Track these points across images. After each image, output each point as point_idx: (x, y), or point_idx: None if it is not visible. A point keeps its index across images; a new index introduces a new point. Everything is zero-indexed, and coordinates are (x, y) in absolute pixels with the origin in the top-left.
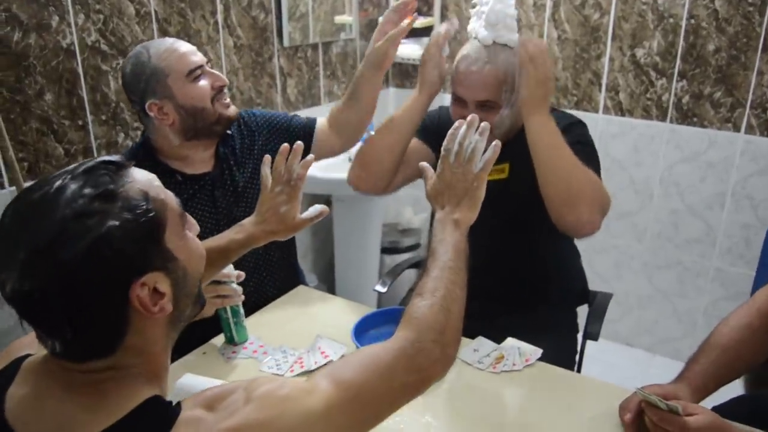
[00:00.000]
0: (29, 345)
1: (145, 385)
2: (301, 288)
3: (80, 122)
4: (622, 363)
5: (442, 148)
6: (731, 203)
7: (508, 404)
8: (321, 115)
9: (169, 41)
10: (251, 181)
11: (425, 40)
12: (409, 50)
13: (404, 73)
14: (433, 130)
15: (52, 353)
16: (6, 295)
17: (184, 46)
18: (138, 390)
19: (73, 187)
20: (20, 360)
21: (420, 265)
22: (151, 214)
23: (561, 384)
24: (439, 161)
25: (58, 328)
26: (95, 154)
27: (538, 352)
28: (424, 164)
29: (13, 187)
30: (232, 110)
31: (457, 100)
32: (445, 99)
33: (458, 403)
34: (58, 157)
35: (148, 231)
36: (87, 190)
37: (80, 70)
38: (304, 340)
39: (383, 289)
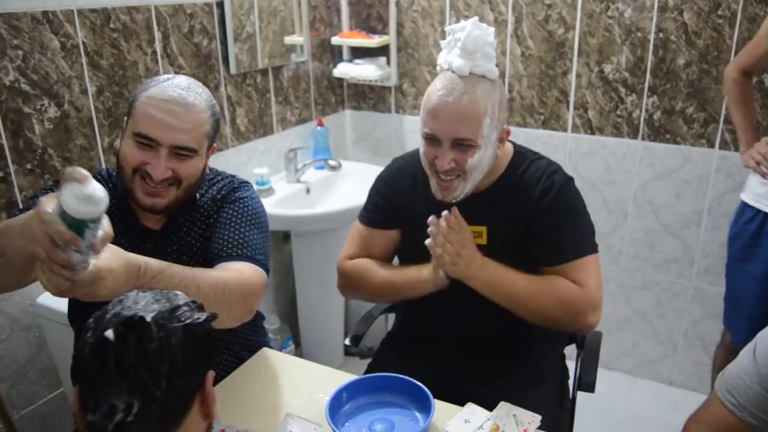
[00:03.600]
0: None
1: None
2: (265, 351)
3: (1, 174)
4: (603, 388)
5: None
6: (708, 221)
7: None
8: (274, 143)
9: (170, 97)
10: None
11: (382, 59)
12: (366, 71)
13: (360, 95)
14: (389, 209)
15: (117, 425)
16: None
17: (172, 116)
18: None
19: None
20: None
21: (392, 310)
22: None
23: None
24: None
25: (155, 380)
26: (20, 207)
27: (537, 419)
28: None
29: None
30: (151, 201)
31: (428, 139)
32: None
33: None
34: None
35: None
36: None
37: None
38: (271, 419)
39: (353, 345)
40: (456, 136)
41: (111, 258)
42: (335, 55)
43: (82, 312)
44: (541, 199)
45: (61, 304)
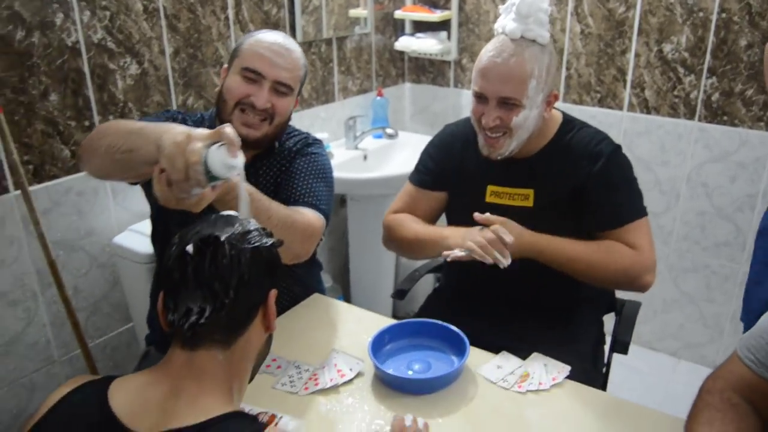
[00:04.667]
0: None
1: (228, 401)
2: (316, 296)
3: (87, 123)
4: (645, 368)
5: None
6: (762, 205)
7: (534, 427)
8: (335, 110)
9: (275, 41)
10: None
11: (443, 34)
12: (426, 45)
13: (420, 68)
14: (440, 171)
15: (192, 325)
16: (197, 245)
17: (277, 56)
18: (224, 401)
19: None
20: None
21: (439, 270)
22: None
23: (590, 405)
24: None
25: (225, 290)
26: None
27: (566, 369)
28: None
29: (18, 191)
30: (246, 131)
31: (477, 96)
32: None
33: (482, 426)
34: (65, 159)
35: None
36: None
37: (86, 69)
38: (319, 354)
39: (399, 299)
40: (502, 95)
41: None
42: (397, 28)
43: (164, 235)
44: (591, 167)
45: (136, 245)
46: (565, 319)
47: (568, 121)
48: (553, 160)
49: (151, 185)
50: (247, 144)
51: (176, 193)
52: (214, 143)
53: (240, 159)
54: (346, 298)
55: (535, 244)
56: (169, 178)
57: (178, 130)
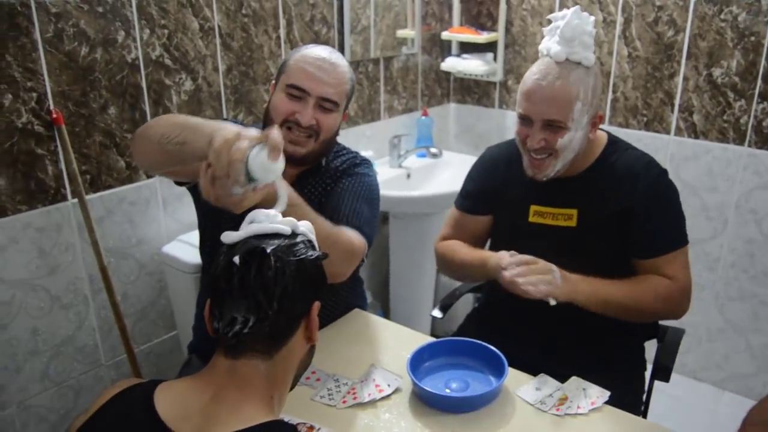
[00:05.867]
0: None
1: (269, 410)
2: (357, 312)
3: None
4: (688, 397)
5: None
6: None
7: None
8: (380, 129)
9: (319, 56)
10: None
11: (489, 55)
12: (472, 66)
13: (466, 89)
14: (482, 195)
15: (236, 334)
16: (243, 256)
17: (321, 71)
18: (265, 410)
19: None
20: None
21: (479, 290)
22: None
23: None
24: None
25: (269, 301)
26: None
27: (605, 394)
28: None
29: (75, 199)
30: (292, 149)
31: (522, 118)
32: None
33: None
34: (120, 170)
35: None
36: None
37: (144, 84)
38: (358, 368)
39: (440, 315)
40: (546, 117)
41: (262, 189)
42: (444, 49)
43: (212, 243)
44: (636, 189)
45: (184, 254)
46: (605, 343)
47: (614, 142)
48: (598, 180)
49: (198, 190)
50: (293, 161)
51: (218, 190)
52: (260, 145)
53: (280, 164)
54: (386, 314)
55: (580, 282)
56: (214, 173)
57: (231, 128)
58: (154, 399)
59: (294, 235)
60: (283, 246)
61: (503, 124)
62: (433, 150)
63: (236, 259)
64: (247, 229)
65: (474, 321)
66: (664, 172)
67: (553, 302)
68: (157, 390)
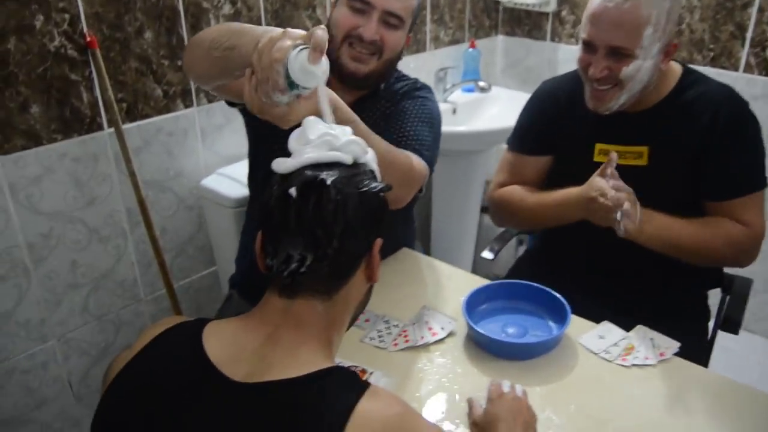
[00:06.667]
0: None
1: (326, 353)
2: (405, 251)
3: (179, 63)
4: (738, 349)
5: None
6: None
7: (640, 404)
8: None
9: None
10: None
11: None
12: None
13: (515, 20)
14: (541, 133)
15: (291, 273)
16: (301, 187)
17: None
18: (323, 353)
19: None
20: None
21: (528, 231)
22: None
23: (703, 387)
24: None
25: (329, 238)
26: (193, 97)
27: (675, 345)
28: (471, 399)
29: (112, 129)
30: (354, 66)
31: (585, 44)
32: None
33: (583, 399)
34: (157, 98)
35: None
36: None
37: (180, 6)
38: (408, 310)
39: (491, 257)
40: (611, 43)
41: (309, 101)
42: None
43: (265, 173)
44: (714, 124)
45: (223, 188)
46: (667, 292)
47: (690, 73)
48: (672, 115)
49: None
50: (354, 81)
51: (261, 98)
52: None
53: (321, 67)
54: (427, 254)
55: (648, 220)
56: (257, 78)
57: (277, 29)
58: (203, 339)
59: (356, 164)
60: (343, 177)
61: (555, 59)
62: (482, 84)
63: (292, 190)
64: (302, 158)
65: (526, 264)
66: (746, 103)
67: (621, 231)
68: (206, 330)
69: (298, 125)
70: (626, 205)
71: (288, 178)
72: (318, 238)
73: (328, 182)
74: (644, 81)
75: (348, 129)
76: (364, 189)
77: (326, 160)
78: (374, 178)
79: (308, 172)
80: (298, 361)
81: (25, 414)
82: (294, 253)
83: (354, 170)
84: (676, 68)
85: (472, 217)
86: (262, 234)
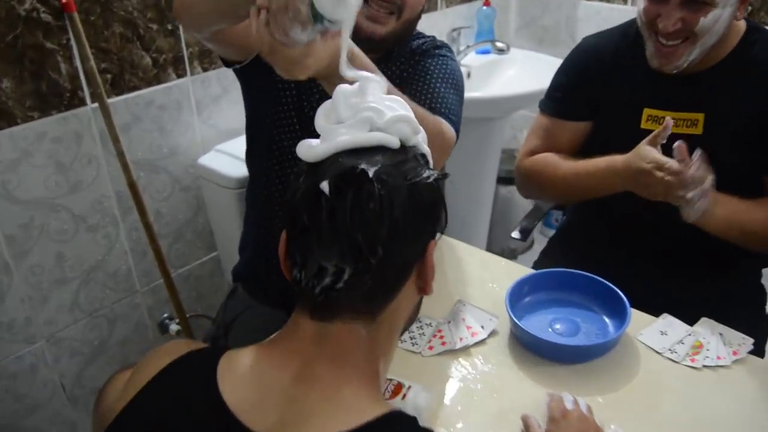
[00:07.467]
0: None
1: (375, 392)
2: None
3: (169, 26)
4: None
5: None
6: None
7: (718, 411)
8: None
9: None
10: None
11: None
12: None
13: None
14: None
15: (325, 289)
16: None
17: None
18: (371, 394)
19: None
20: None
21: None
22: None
23: None
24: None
25: (372, 245)
26: (187, 65)
27: (748, 342)
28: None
29: (96, 104)
30: (370, 27)
31: None
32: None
33: (652, 409)
34: (146, 68)
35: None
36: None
37: None
38: (441, 305)
39: (519, 237)
40: None
41: (333, 41)
42: None
43: (268, 145)
44: None
45: (223, 167)
46: (726, 270)
47: (755, 29)
48: (732, 77)
49: (250, 71)
50: (371, 44)
51: (274, 33)
52: None
53: None
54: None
55: (717, 202)
56: (270, 7)
57: None
58: (218, 378)
59: (403, 148)
60: (389, 165)
61: (573, 16)
62: (500, 44)
63: (324, 185)
64: (336, 141)
65: (560, 245)
66: None
67: (697, 213)
68: (222, 363)
69: (317, 86)
70: (707, 183)
71: (318, 168)
72: (358, 245)
73: (371, 173)
74: (719, 34)
75: (397, 99)
76: (416, 180)
77: (367, 143)
78: (427, 164)
79: (344, 161)
80: (342, 407)
81: (16, 421)
82: (328, 265)
83: (402, 156)
84: (740, 24)
85: (488, 190)
86: (286, 236)
